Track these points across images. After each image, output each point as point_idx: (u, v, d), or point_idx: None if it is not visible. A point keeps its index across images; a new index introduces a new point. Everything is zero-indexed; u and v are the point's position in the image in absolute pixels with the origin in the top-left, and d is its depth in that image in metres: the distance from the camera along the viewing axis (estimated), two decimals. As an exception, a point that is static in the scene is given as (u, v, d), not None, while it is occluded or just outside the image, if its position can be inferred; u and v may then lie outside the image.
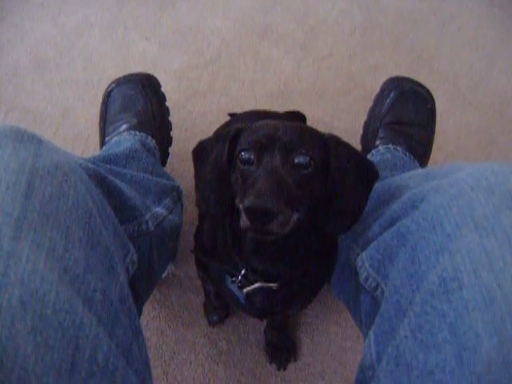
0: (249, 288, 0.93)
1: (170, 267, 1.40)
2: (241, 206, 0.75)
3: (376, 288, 0.80)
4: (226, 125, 1.35)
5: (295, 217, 0.76)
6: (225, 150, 0.84)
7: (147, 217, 0.97)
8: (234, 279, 0.95)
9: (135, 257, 0.85)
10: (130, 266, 0.83)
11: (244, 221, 0.72)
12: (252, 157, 0.79)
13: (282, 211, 0.71)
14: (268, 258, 0.90)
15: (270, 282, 0.92)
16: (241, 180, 0.80)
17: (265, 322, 1.35)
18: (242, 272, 0.93)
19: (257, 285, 0.92)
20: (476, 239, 0.58)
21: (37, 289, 0.49)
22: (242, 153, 0.80)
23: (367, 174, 0.85)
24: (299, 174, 0.77)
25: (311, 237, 0.90)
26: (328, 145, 0.82)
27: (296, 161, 0.77)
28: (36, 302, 0.48)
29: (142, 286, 0.93)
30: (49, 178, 0.61)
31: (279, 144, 0.77)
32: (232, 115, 1.51)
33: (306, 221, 0.81)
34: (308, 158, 0.77)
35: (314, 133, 0.83)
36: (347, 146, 0.85)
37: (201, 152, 0.92)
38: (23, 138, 0.63)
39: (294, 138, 0.78)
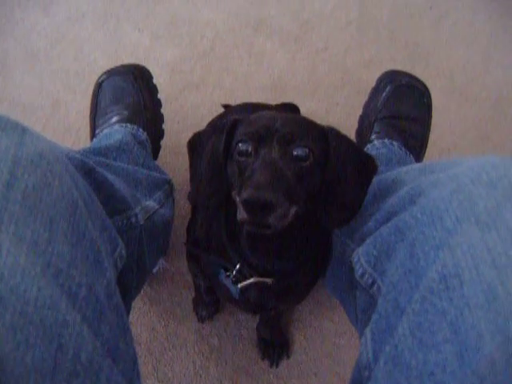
0: (244, 283, 0.92)
1: (162, 262, 1.39)
2: (238, 199, 0.74)
3: (372, 285, 0.78)
4: (220, 117, 1.33)
5: (293, 210, 0.75)
6: (222, 141, 0.83)
7: (137, 210, 0.95)
8: (228, 274, 0.94)
9: (124, 251, 0.83)
10: (119, 261, 0.80)
11: (241, 213, 0.71)
12: (250, 148, 0.78)
13: (281, 204, 0.70)
14: (264, 253, 0.89)
15: (265, 277, 0.91)
16: (238, 172, 0.79)
17: (257, 318, 1.33)
18: (237, 266, 0.92)
19: (251, 280, 0.91)
20: (477, 234, 0.57)
21: (17, 284, 0.47)
22: (240, 144, 0.79)
23: (366, 167, 0.84)
24: (298, 167, 0.76)
25: (307, 231, 0.88)
26: (327, 137, 0.81)
27: (295, 153, 0.76)
28: (16, 299, 0.46)
29: (131, 280, 0.91)
30: (32, 167, 0.58)
31: (278, 135, 0.76)
32: (225, 106, 1.50)
33: (303, 214, 0.79)
34: (307, 150, 0.76)
35: (313, 124, 0.82)
36: (347, 139, 0.84)
37: (196, 143, 0.90)
38: (6, 127, 0.60)
39: (293, 129, 0.77)
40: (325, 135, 0.81)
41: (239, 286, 0.93)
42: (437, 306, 0.56)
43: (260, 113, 0.84)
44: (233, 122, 0.83)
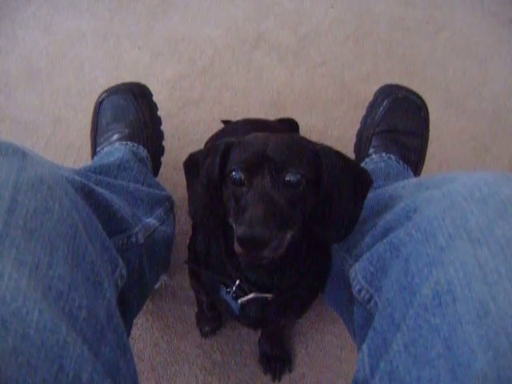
0: (244, 299, 0.93)
1: (164, 278, 1.39)
2: (234, 226, 0.76)
3: (369, 300, 0.79)
4: (220, 133, 1.34)
5: (289, 235, 0.76)
6: (216, 166, 0.84)
7: (137, 229, 0.96)
8: (228, 290, 0.95)
9: (124, 271, 0.84)
10: (119, 280, 0.81)
11: (237, 247, 0.72)
12: (242, 177, 0.79)
13: (275, 237, 0.71)
14: (263, 270, 0.89)
15: (265, 292, 0.92)
16: (233, 200, 0.80)
17: (259, 333, 1.34)
18: (237, 283, 0.93)
19: (251, 295, 0.92)
20: (469, 251, 0.58)
21: (19, 308, 0.48)
22: (233, 173, 0.80)
23: (360, 181, 0.85)
24: (291, 193, 0.77)
25: (306, 247, 0.89)
26: (319, 157, 0.81)
27: (287, 179, 0.77)
28: (18, 322, 0.47)
29: (132, 298, 0.91)
30: (33, 192, 0.59)
31: (269, 163, 0.77)
32: (225, 122, 1.51)
33: (300, 233, 0.80)
34: (299, 176, 0.77)
35: (304, 146, 0.82)
36: (339, 156, 0.84)
37: (192, 165, 0.91)
38: (7, 152, 0.61)
39: (284, 155, 0.78)
40: (317, 155, 0.81)
41: (239, 301, 0.94)
42: (430, 322, 0.58)
43: (252, 136, 0.84)
44: (226, 146, 0.84)
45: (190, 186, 0.92)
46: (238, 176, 0.79)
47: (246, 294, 0.93)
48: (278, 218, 0.73)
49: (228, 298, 0.96)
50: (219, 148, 0.84)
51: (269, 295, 0.92)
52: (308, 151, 0.81)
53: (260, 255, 0.71)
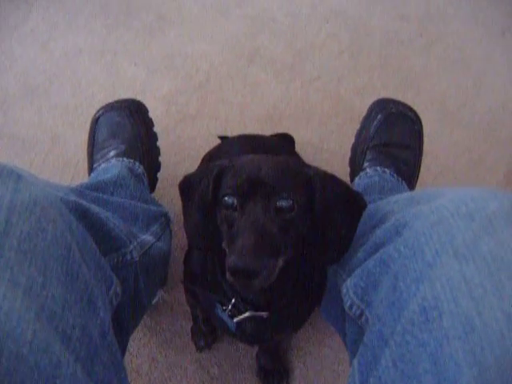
0: (239, 317, 0.93)
1: (161, 293, 1.40)
2: (227, 251, 0.76)
3: (360, 316, 0.80)
4: (216, 149, 1.35)
5: (281, 261, 0.76)
6: (209, 190, 0.84)
7: (132, 246, 0.97)
8: (224, 308, 0.95)
9: (119, 289, 0.84)
10: (114, 299, 0.82)
11: (229, 276, 0.73)
12: (235, 202, 0.79)
13: (265, 267, 0.72)
14: (258, 290, 0.89)
15: (261, 311, 0.92)
16: (226, 225, 0.80)
17: (256, 347, 1.34)
18: (232, 301, 0.93)
19: (247, 314, 0.92)
20: (456, 267, 0.59)
21: (13, 328, 0.49)
22: (226, 198, 0.80)
23: (354, 206, 0.85)
24: (283, 219, 0.77)
25: (300, 266, 0.90)
26: (312, 182, 0.81)
27: (278, 204, 0.77)
28: (12, 342, 0.48)
29: (127, 316, 0.92)
30: (27, 214, 0.60)
31: (262, 189, 0.77)
32: (222, 138, 1.51)
33: (293, 256, 0.81)
34: (291, 202, 0.77)
35: (297, 171, 0.82)
36: (333, 180, 0.85)
37: (187, 187, 0.91)
38: (2, 174, 0.62)
39: (276, 181, 0.78)
40: (310, 180, 0.81)
41: (235, 320, 0.94)
42: (417, 337, 0.58)
43: (246, 158, 0.85)
44: (218, 171, 0.84)
45: (185, 208, 0.93)
46: (230, 201, 0.79)
47: (242, 313, 0.93)
48: (269, 246, 0.73)
49: (224, 315, 0.97)
50: (212, 171, 0.85)
51: (264, 313, 0.92)
52: (301, 176, 0.81)
53: (251, 284, 0.72)
